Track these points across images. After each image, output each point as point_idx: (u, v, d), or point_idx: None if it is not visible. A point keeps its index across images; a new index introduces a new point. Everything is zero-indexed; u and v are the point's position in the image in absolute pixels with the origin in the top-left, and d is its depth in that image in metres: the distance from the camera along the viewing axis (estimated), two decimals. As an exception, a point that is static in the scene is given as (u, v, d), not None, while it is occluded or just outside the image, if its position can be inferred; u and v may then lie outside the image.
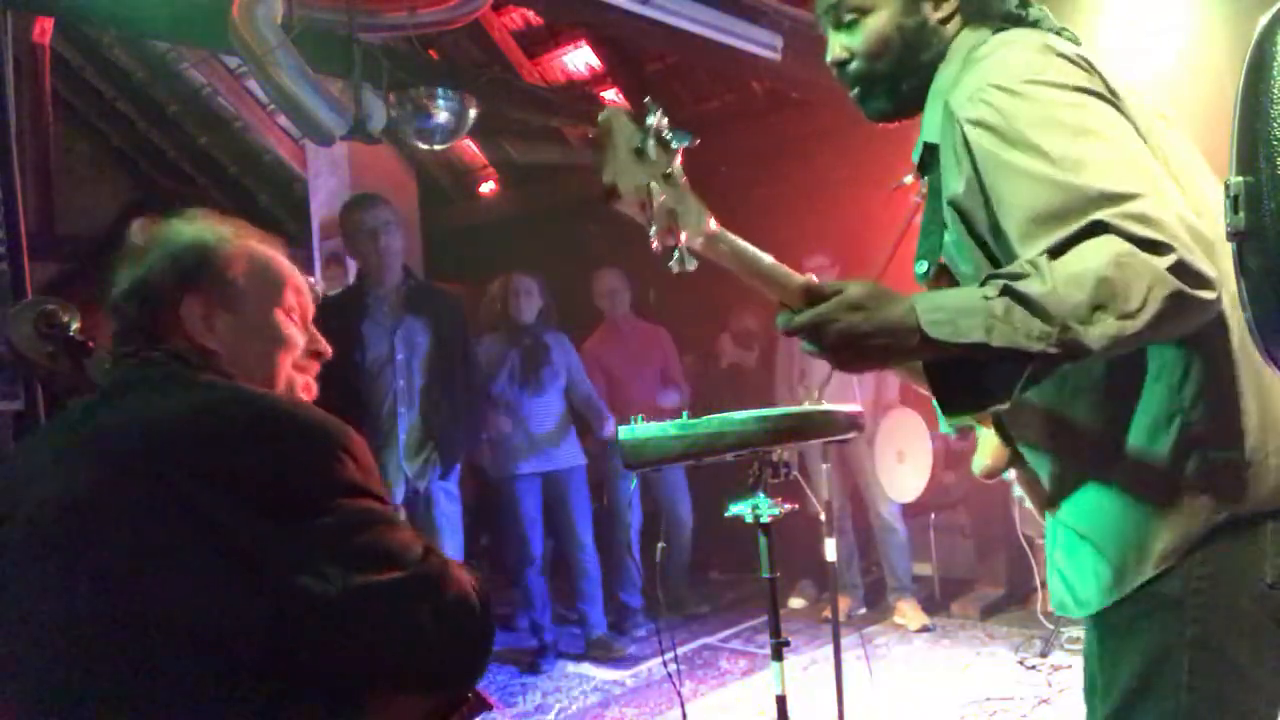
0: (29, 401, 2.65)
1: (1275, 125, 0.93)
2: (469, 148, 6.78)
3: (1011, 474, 1.46)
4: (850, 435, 2.19)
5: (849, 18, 1.34)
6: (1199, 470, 1.16)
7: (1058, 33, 1.32)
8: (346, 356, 3.54)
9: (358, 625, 1.03)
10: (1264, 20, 0.96)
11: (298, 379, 1.29)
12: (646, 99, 1.07)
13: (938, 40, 1.33)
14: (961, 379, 1.12)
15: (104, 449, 1.08)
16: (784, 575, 2.48)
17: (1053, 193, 1.09)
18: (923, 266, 1.34)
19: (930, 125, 1.31)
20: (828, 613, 3.46)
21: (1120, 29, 3.60)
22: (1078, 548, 1.29)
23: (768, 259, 1.15)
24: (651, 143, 1.04)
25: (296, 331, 1.29)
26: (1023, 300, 1.03)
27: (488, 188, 7.04)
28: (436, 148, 4.53)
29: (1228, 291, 1.18)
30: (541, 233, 6.37)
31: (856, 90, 1.39)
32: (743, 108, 5.63)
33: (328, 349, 1.33)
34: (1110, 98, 1.17)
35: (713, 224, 1.11)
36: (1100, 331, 1.02)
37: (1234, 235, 0.96)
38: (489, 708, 1.25)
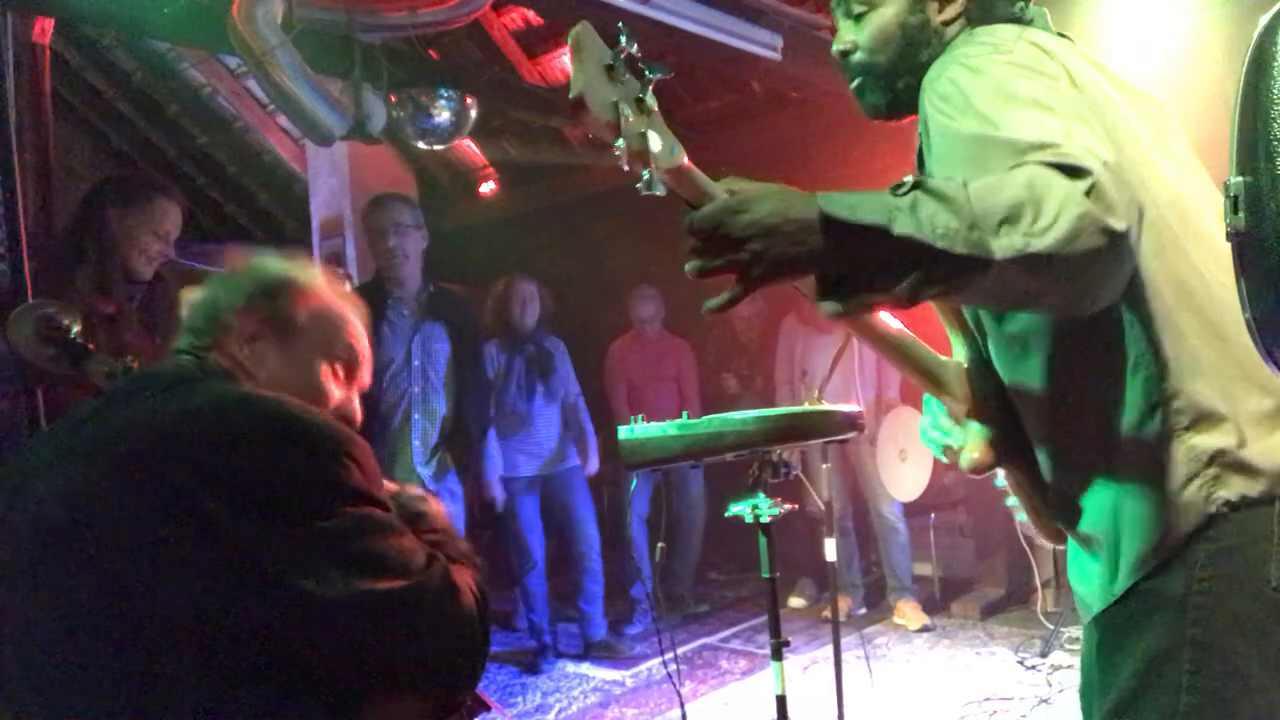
0: (29, 403, 2.65)
1: (1275, 125, 0.93)
2: (469, 148, 6.77)
3: (1002, 475, 1.46)
4: (850, 435, 2.19)
5: (859, 10, 1.37)
6: (1188, 458, 1.16)
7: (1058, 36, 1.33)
8: None
9: (357, 631, 1.03)
10: (1264, 20, 0.96)
11: None
12: (620, 24, 1.05)
13: (938, 41, 1.35)
14: (848, 259, 1.03)
15: (107, 449, 1.08)
16: (784, 575, 2.48)
17: (985, 148, 1.10)
18: None
19: (921, 116, 1.32)
20: (828, 613, 3.46)
21: (1120, 29, 3.59)
22: (1083, 549, 1.29)
23: (711, 185, 1.09)
24: (622, 64, 1.02)
25: (335, 388, 1.30)
26: (932, 194, 1.00)
27: (488, 188, 7.04)
28: (437, 148, 4.53)
29: (1219, 283, 1.18)
30: (541, 233, 6.37)
31: (855, 83, 1.41)
32: (743, 108, 5.63)
33: (357, 417, 1.34)
34: (1071, 83, 1.18)
35: (685, 160, 1.07)
36: (1007, 243, 0.98)
37: (1234, 235, 0.96)
38: (488, 708, 1.25)
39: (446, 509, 3.82)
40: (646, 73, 1.05)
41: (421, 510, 1.29)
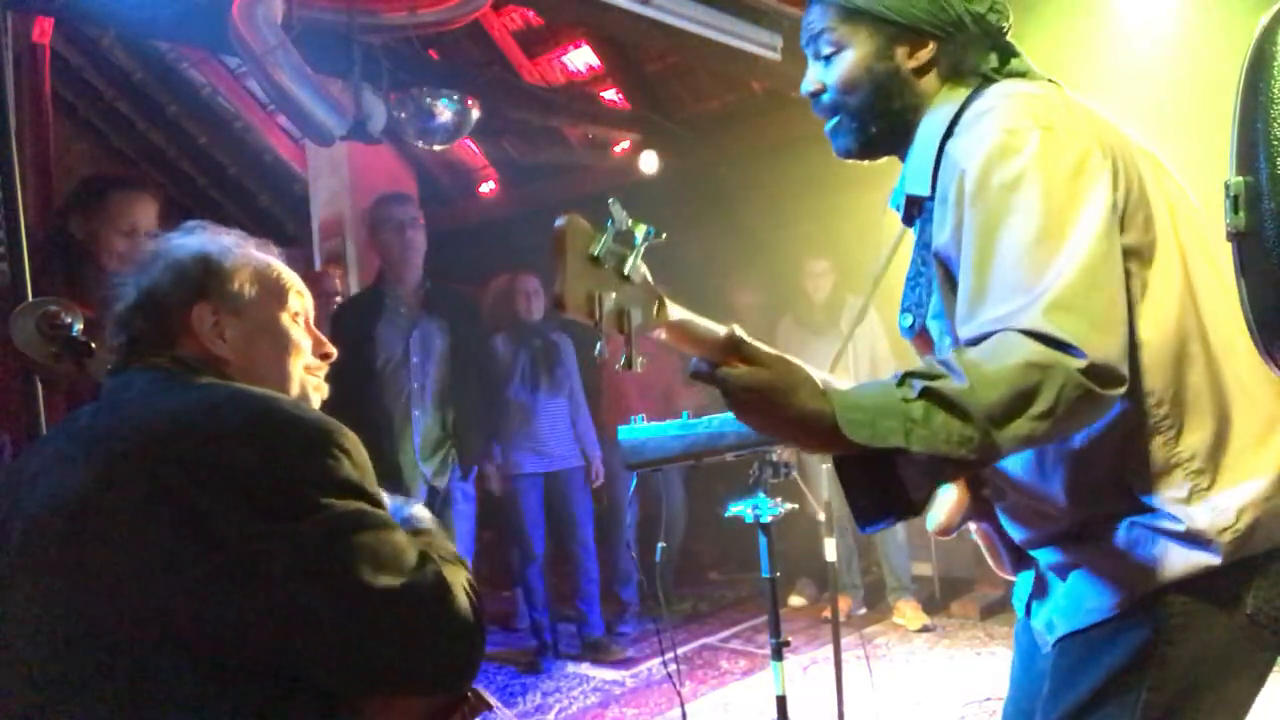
0: (30, 404, 2.64)
1: (1275, 125, 0.93)
2: (469, 148, 6.77)
3: (973, 528, 1.47)
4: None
5: (827, 51, 1.35)
6: (1208, 516, 1.16)
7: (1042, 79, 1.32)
8: (361, 358, 3.59)
9: (351, 628, 1.02)
10: (1264, 20, 0.96)
11: (309, 381, 1.32)
12: (611, 200, 1.05)
13: (910, 92, 1.32)
14: (876, 484, 1.10)
15: (101, 450, 1.08)
16: (784, 575, 2.48)
17: (1003, 282, 1.10)
18: (908, 320, 1.33)
19: (917, 177, 1.30)
20: (828, 613, 3.47)
21: (1120, 29, 3.60)
22: (1074, 572, 1.28)
23: (705, 327, 1.14)
24: (610, 243, 1.03)
25: (302, 334, 1.31)
26: (942, 402, 1.04)
27: (488, 188, 7.04)
28: (437, 148, 4.54)
29: (1213, 328, 1.18)
30: (542, 233, 6.34)
31: (828, 124, 1.39)
32: (743, 108, 5.63)
33: (333, 349, 1.36)
34: (1102, 160, 1.16)
35: (672, 313, 1.10)
36: (1013, 433, 1.04)
37: (1234, 235, 0.97)
38: (489, 707, 1.25)
39: (460, 509, 3.82)
40: (637, 238, 1.06)
41: (407, 514, 1.30)
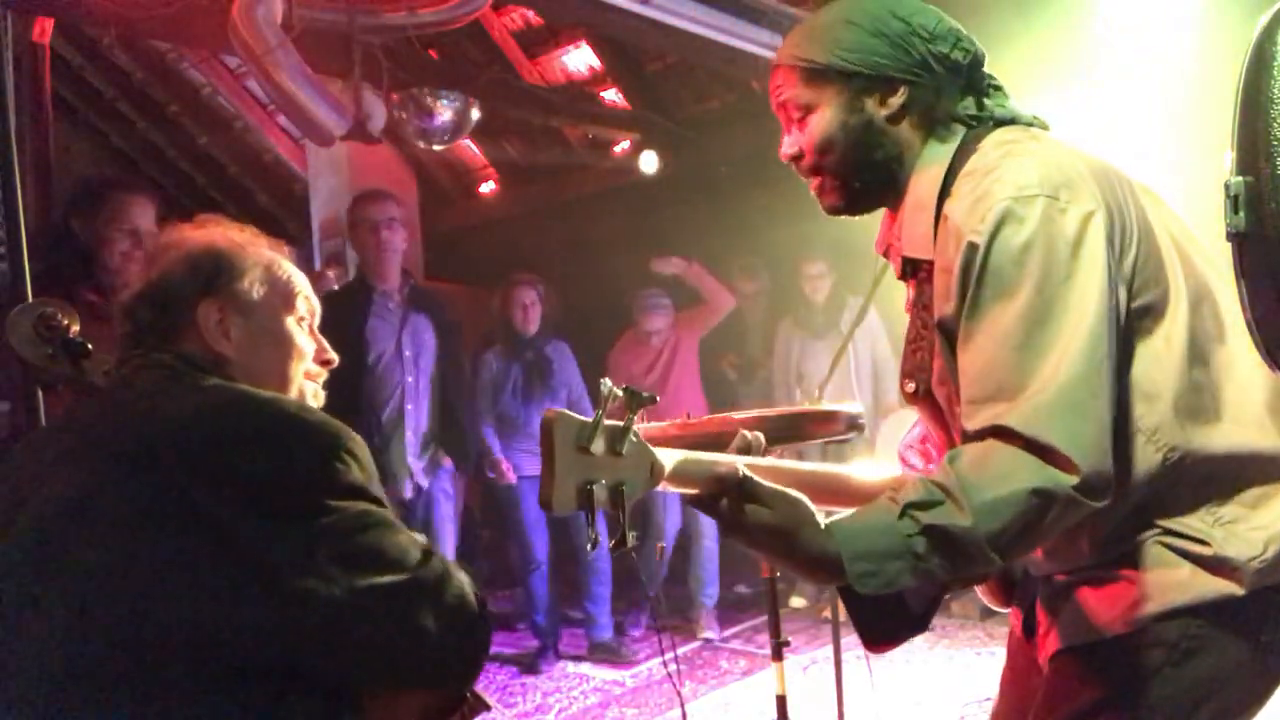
0: (29, 405, 2.64)
1: (1275, 125, 0.93)
2: (469, 148, 6.77)
3: None
4: (850, 436, 2.18)
5: (797, 115, 1.31)
6: (1234, 545, 1.16)
7: (1028, 123, 1.30)
8: (351, 353, 3.57)
9: (358, 626, 1.03)
10: (1264, 20, 0.96)
11: (309, 386, 1.31)
12: (603, 380, 1.03)
13: (890, 141, 1.28)
14: (881, 607, 1.13)
15: (109, 449, 1.08)
16: (784, 575, 2.48)
17: (1002, 369, 1.11)
18: (911, 385, 1.31)
19: (915, 240, 1.27)
20: (828, 613, 3.46)
21: (1122, 29, 3.59)
22: (1085, 589, 1.27)
23: (703, 465, 1.12)
24: (599, 425, 1.01)
25: (307, 340, 1.31)
26: (945, 539, 1.05)
27: (488, 188, 7.04)
28: (437, 148, 4.53)
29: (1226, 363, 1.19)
30: (541, 233, 6.36)
31: (813, 185, 1.36)
32: (743, 108, 5.62)
33: (334, 356, 1.35)
34: (1105, 221, 1.14)
35: (668, 463, 1.09)
36: (1014, 554, 1.10)
37: (1234, 236, 0.96)
38: (488, 708, 1.25)
39: (443, 510, 3.81)
40: (632, 408, 1.04)
41: None
